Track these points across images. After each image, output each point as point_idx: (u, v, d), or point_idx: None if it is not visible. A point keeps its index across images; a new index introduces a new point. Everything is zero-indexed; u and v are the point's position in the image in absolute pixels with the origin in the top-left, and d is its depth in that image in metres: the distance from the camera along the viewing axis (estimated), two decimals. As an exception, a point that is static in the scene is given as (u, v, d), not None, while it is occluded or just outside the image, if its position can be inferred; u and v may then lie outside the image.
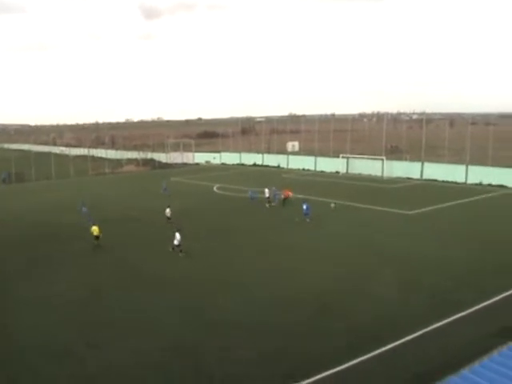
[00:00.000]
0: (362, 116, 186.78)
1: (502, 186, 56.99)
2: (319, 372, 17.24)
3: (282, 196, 48.55)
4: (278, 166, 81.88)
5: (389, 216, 42.77)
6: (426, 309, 22.76)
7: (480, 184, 58.95)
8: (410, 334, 20.05)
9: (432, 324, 20.91)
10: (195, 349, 19.34)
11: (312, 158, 77.34)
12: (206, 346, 19.42)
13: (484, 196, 52.32)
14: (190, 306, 23.50)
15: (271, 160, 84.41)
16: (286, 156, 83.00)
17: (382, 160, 67.45)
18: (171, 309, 23.25)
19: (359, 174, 68.57)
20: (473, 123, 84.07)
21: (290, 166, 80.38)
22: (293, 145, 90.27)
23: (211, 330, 20.94)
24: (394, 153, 79.05)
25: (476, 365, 14.38)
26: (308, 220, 40.21)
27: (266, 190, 48.52)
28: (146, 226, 40.50)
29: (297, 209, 42.97)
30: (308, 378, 16.93)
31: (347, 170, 71.72)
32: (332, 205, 45.61)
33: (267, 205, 47.23)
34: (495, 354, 14.56)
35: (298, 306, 23.35)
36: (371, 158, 69.51)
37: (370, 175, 67.36)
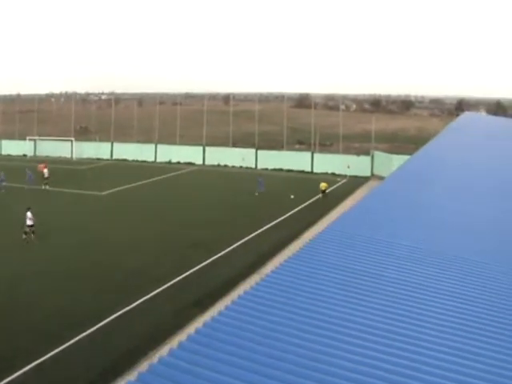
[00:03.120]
0: (49, 96, 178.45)
1: (190, 163, 59.77)
2: None
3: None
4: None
5: (82, 198, 41.38)
6: (118, 291, 22.34)
7: (169, 162, 60.97)
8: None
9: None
10: None
11: (-4, 141, 70.92)
12: None
13: (174, 174, 54.25)
14: None
15: None
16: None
17: (71, 141, 65.12)
18: None
19: (48, 157, 65.11)
20: (161, 103, 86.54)
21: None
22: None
23: None
24: (84, 133, 77.08)
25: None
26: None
27: None
28: None
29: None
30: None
31: (35, 152, 67.64)
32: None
33: None
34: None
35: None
36: (60, 140, 66.63)
37: (59, 157, 64.50)
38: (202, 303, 20.62)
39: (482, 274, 11.69)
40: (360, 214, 16.71)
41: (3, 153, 69.41)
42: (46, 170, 46.68)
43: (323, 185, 43.71)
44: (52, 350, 16.98)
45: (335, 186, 47.62)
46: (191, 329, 10.16)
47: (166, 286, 23.02)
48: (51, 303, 21.01)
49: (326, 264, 11.63)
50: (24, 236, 29.53)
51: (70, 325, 18.87)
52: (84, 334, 18.22)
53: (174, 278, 23.82)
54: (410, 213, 17.17)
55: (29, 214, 29.68)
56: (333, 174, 53.25)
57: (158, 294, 22.22)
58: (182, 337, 12.85)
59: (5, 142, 70.33)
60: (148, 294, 21.99)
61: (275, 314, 9.06)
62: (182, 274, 24.43)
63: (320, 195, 43.15)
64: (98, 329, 18.73)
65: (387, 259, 12.21)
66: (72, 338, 17.80)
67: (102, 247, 28.80)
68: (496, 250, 13.63)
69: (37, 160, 62.05)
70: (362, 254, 12.45)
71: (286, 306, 9.38)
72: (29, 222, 29.62)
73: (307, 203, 40.83)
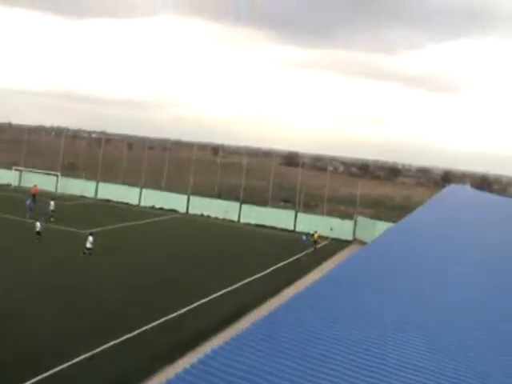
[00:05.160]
0: (40, 128, 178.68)
1: (173, 210, 59.50)
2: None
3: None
4: None
5: (63, 235, 40.85)
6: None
7: (153, 207, 60.68)
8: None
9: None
10: None
11: (-20, 168, 70.22)
12: None
13: (155, 219, 53.93)
14: None
15: None
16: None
17: (57, 176, 64.84)
18: None
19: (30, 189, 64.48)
20: (150, 147, 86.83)
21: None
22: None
23: None
24: (71, 169, 76.77)
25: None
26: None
27: None
28: None
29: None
30: None
31: (20, 182, 67.13)
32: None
33: None
34: None
35: None
36: (46, 173, 66.29)
37: (43, 190, 63.97)
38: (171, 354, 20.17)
39: (466, 354, 11.47)
40: (334, 281, 16.55)
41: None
42: (52, 203, 47.52)
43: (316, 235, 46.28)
44: None
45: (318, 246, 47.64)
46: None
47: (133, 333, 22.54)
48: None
49: (299, 329, 11.38)
50: (82, 254, 34.33)
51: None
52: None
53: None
54: (392, 281, 17.03)
55: (90, 238, 34.82)
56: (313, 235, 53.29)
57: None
58: None
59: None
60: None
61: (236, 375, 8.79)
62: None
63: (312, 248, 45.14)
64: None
65: (368, 329, 11.97)
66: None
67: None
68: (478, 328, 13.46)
69: (20, 190, 61.54)
70: (340, 321, 12.21)
71: (248, 368, 9.10)
72: (88, 245, 34.58)
73: (288, 261, 40.68)
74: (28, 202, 47.06)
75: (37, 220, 38.67)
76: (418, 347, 11.37)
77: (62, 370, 18.50)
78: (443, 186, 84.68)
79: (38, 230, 37.54)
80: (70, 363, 18.96)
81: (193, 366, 9.18)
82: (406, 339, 11.69)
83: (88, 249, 34.68)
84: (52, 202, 47.35)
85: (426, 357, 10.84)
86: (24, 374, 17.86)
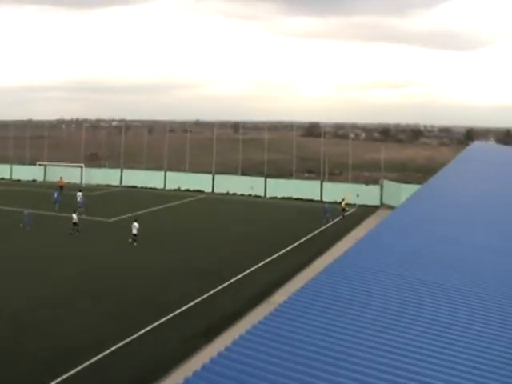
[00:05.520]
0: (60, 122, 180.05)
1: (198, 191, 59.64)
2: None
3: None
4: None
5: (89, 224, 41.20)
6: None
7: (178, 189, 60.90)
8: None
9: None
10: None
11: (7, 166, 71.10)
12: None
13: (183, 201, 54.14)
14: None
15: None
16: (-25, 165, 74.66)
17: (81, 167, 65.39)
18: None
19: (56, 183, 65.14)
20: (171, 130, 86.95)
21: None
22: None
23: None
24: (94, 160, 77.31)
25: None
26: None
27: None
28: None
29: None
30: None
31: (45, 177, 67.87)
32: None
33: None
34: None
35: None
36: (70, 166, 66.81)
37: (69, 183, 64.51)
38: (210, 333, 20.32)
39: (499, 310, 11.32)
40: (371, 247, 16.41)
41: (13, 177, 69.58)
42: (79, 193, 47.82)
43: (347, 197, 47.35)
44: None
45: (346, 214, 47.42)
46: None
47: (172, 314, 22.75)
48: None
49: (338, 298, 11.32)
50: (130, 240, 34.64)
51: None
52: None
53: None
54: (423, 245, 16.84)
55: (136, 224, 35.10)
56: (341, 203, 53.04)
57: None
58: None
59: (15, 167, 70.61)
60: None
61: (285, 351, 8.75)
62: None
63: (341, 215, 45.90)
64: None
65: (405, 295, 11.85)
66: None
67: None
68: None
69: (45, 185, 62.22)
70: (376, 289, 12.11)
71: (296, 343, 9.06)
72: (134, 231, 34.77)
73: (316, 232, 40.57)
74: (55, 195, 47.58)
75: (74, 212, 38.88)
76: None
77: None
78: (467, 145, 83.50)
79: (74, 221, 37.85)
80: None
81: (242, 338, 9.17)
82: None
83: (135, 235, 35.04)
84: (80, 193, 47.76)
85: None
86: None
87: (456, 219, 21.30)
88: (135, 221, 35.71)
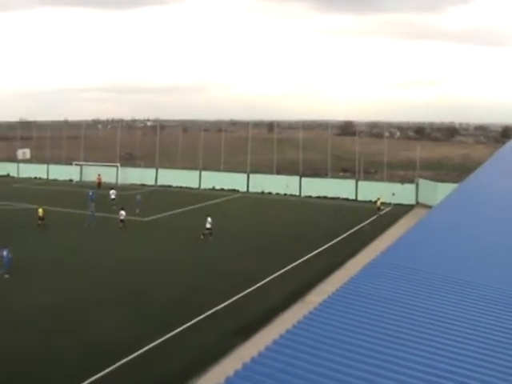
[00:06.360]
0: (96, 122, 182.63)
1: (233, 190, 59.80)
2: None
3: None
4: (8, 175, 74.86)
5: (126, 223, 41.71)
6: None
7: (213, 189, 61.17)
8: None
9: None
10: None
11: (44, 166, 72.49)
12: None
13: (218, 200, 54.35)
14: None
15: None
16: (16, 164, 76.32)
17: (117, 167, 66.18)
18: None
19: (93, 182, 66.03)
20: (205, 130, 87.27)
21: (21, 175, 73.96)
22: (23, 152, 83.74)
23: None
24: (129, 159, 78.13)
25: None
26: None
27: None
28: None
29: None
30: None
31: (81, 177, 68.93)
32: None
33: None
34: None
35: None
36: (105, 165, 67.68)
37: (104, 182, 65.34)
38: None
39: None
40: (409, 247, 16.24)
41: (50, 177, 70.84)
42: (112, 191, 49.47)
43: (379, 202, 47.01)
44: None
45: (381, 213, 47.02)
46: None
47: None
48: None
49: (377, 298, 11.23)
50: (202, 236, 35.97)
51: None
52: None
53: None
54: (462, 246, 16.59)
55: (209, 219, 36.23)
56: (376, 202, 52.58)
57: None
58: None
59: (52, 167, 71.89)
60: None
61: (325, 350, 8.71)
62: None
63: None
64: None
65: (445, 295, 11.69)
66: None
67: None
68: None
69: (82, 185, 63.13)
70: (415, 289, 11.97)
71: (336, 343, 9.02)
72: (208, 226, 36.03)
73: (351, 231, 40.32)
74: (90, 194, 47.85)
75: (122, 209, 39.88)
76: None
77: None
78: (503, 143, 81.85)
79: (122, 218, 38.98)
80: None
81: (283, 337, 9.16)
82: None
83: (208, 229, 36.04)
84: (113, 191, 48.27)
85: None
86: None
87: (495, 218, 20.93)
88: (208, 216, 36.57)
